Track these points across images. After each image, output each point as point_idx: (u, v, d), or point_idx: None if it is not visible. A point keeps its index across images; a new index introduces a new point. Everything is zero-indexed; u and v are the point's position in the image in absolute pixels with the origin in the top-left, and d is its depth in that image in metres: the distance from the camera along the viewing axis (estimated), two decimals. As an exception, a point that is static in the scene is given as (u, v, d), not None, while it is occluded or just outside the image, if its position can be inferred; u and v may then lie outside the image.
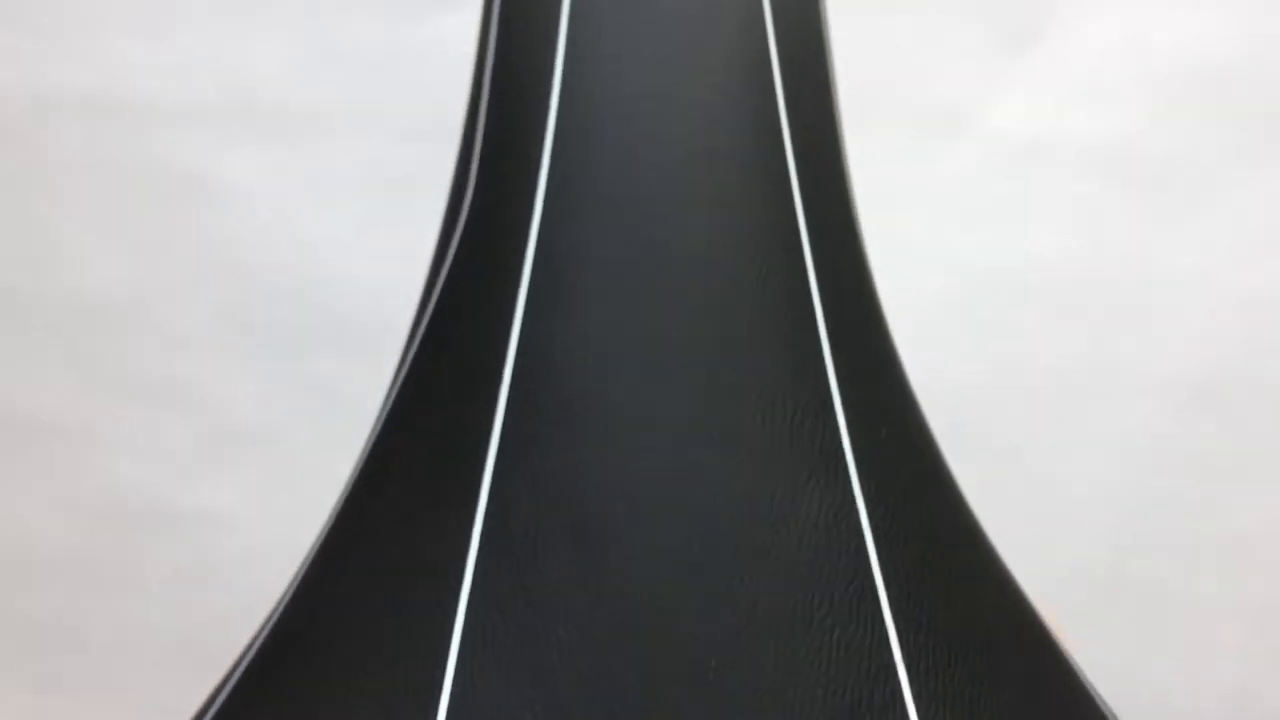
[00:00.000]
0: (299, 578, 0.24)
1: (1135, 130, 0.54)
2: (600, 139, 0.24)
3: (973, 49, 0.54)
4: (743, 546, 0.22)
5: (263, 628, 0.25)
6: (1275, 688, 0.59)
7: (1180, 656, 0.59)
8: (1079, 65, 0.54)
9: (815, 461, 0.23)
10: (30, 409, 0.58)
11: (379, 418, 0.25)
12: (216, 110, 0.55)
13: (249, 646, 0.25)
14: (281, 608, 0.24)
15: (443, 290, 0.25)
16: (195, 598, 0.60)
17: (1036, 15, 0.54)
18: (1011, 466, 0.57)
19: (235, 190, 0.55)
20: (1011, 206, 0.55)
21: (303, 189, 0.55)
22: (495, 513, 0.22)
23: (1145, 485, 0.57)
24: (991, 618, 0.24)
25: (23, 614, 0.61)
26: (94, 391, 0.58)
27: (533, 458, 0.22)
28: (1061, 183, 0.55)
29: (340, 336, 0.57)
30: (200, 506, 0.59)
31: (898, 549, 0.23)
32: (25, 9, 0.54)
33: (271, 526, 0.59)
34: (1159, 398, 0.56)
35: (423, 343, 0.25)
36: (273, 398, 0.58)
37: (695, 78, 0.24)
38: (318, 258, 0.56)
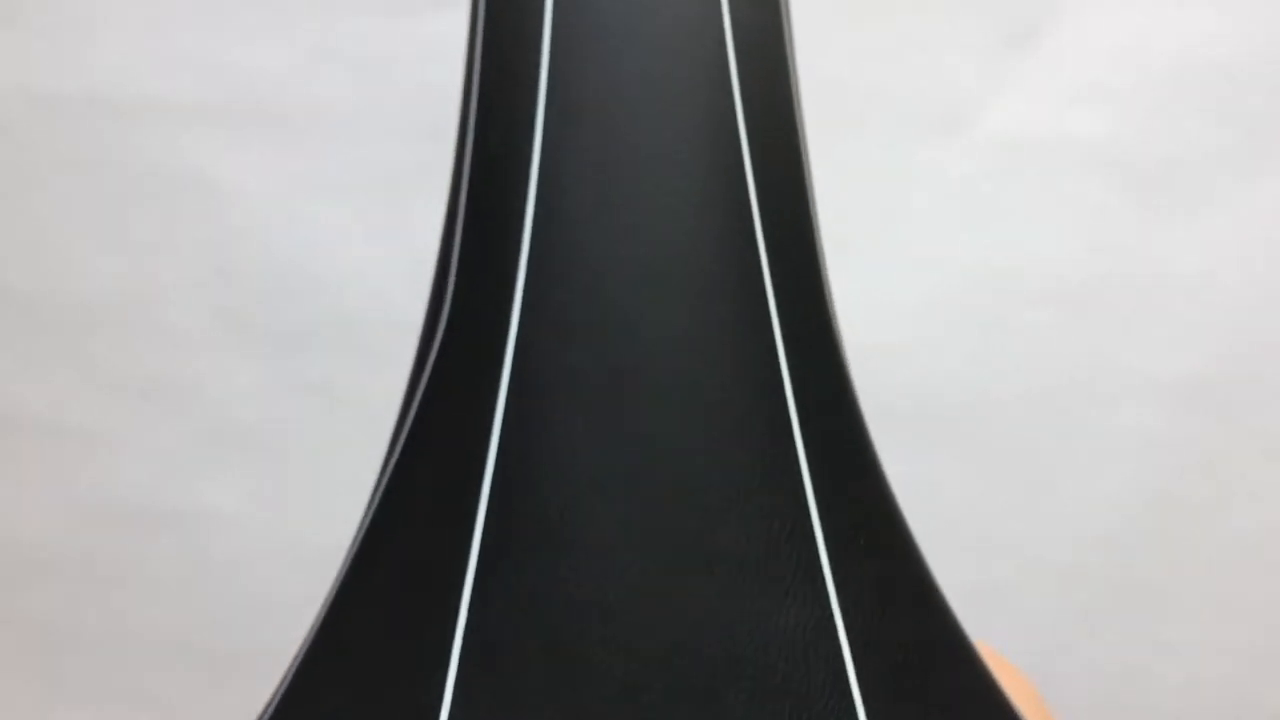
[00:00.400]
0: (280, 693, 0.24)
1: (1135, 130, 0.54)
2: (575, 254, 0.24)
3: (973, 49, 0.54)
4: (720, 665, 0.22)
5: None
6: (1275, 688, 0.59)
7: (1180, 656, 0.59)
8: (1079, 65, 0.54)
9: (793, 577, 0.23)
10: (30, 409, 0.58)
11: (358, 532, 0.25)
12: (216, 110, 0.55)
13: None
14: None
15: (419, 407, 0.25)
16: (195, 598, 0.60)
17: (1036, 15, 0.54)
18: (1012, 466, 0.57)
19: (235, 190, 0.55)
20: (1011, 206, 0.55)
21: (303, 189, 0.55)
22: (473, 632, 0.22)
23: (1145, 485, 0.57)
24: None
25: (23, 614, 0.61)
26: (94, 391, 0.58)
27: (511, 577, 0.23)
28: (1061, 183, 0.55)
29: (340, 336, 0.57)
30: (200, 506, 0.59)
31: (876, 662, 0.23)
32: (25, 9, 0.54)
33: (271, 526, 0.59)
34: (1159, 398, 0.56)
35: (401, 458, 0.25)
36: (273, 398, 0.58)
37: (670, 194, 0.24)
38: (318, 258, 0.56)
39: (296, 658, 0.25)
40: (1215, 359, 0.56)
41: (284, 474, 0.58)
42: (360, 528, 0.25)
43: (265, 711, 0.24)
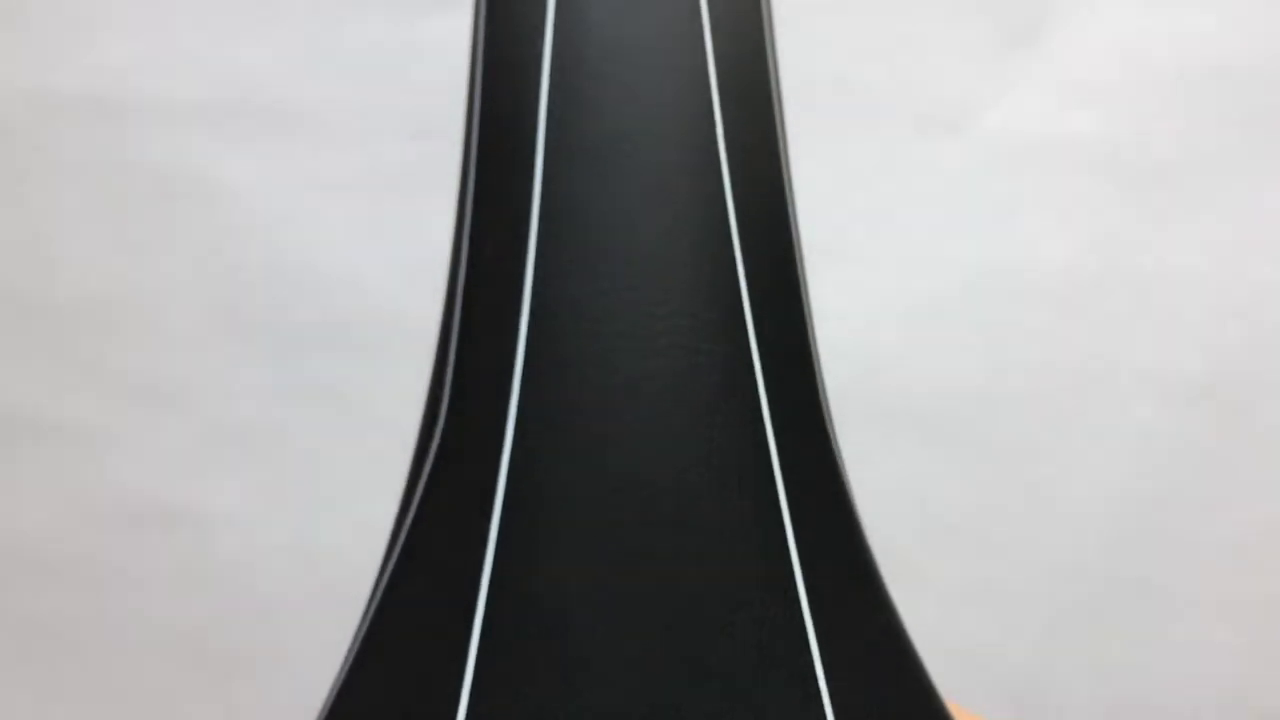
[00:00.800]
0: None
1: (1135, 130, 0.54)
2: (569, 363, 0.24)
3: (973, 49, 0.54)
4: None
5: None
6: (1275, 688, 0.59)
7: (1180, 656, 0.59)
8: (1079, 65, 0.54)
9: (787, 687, 0.23)
10: (30, 409, 0.58)
11: (352, 647, 0.25)
12: (216, 110, 0.55)
13: None
14: None
15: (414, 520, 0.25)
16: (195, 598, 0.60)
17: (1036, 15, 0.54)
18: (1011, 466, 0.57)
19: (235, 190, 0.55)
20: (1011, 206, 0.55)
21: (303, 189, 0.55)
22: None
23: (1145, 485, 0.57)
24: None
25: (23, 614, 0.61)
26: (94, 391, 0.58)
27: (506, 695, 0.23)
28: (1061, 183, 0.55)
29: (340, 336, 0.57)
30: (200, 506, 0.59)
31: None
32: (25, 9, 0.54)
33: (270, 526, 0.59)
34: (1159, 398, 0.56)
35: (395, 572, 0.25)
36: (273, 398, 0.58)
37: (663, 298, 0.24)
38: (318, 258, 0.56)
39: None
40: (1215, 359, 0.56)
41: (284, 474, 0.58)
42: (354, 641, 0.25)
43: None
